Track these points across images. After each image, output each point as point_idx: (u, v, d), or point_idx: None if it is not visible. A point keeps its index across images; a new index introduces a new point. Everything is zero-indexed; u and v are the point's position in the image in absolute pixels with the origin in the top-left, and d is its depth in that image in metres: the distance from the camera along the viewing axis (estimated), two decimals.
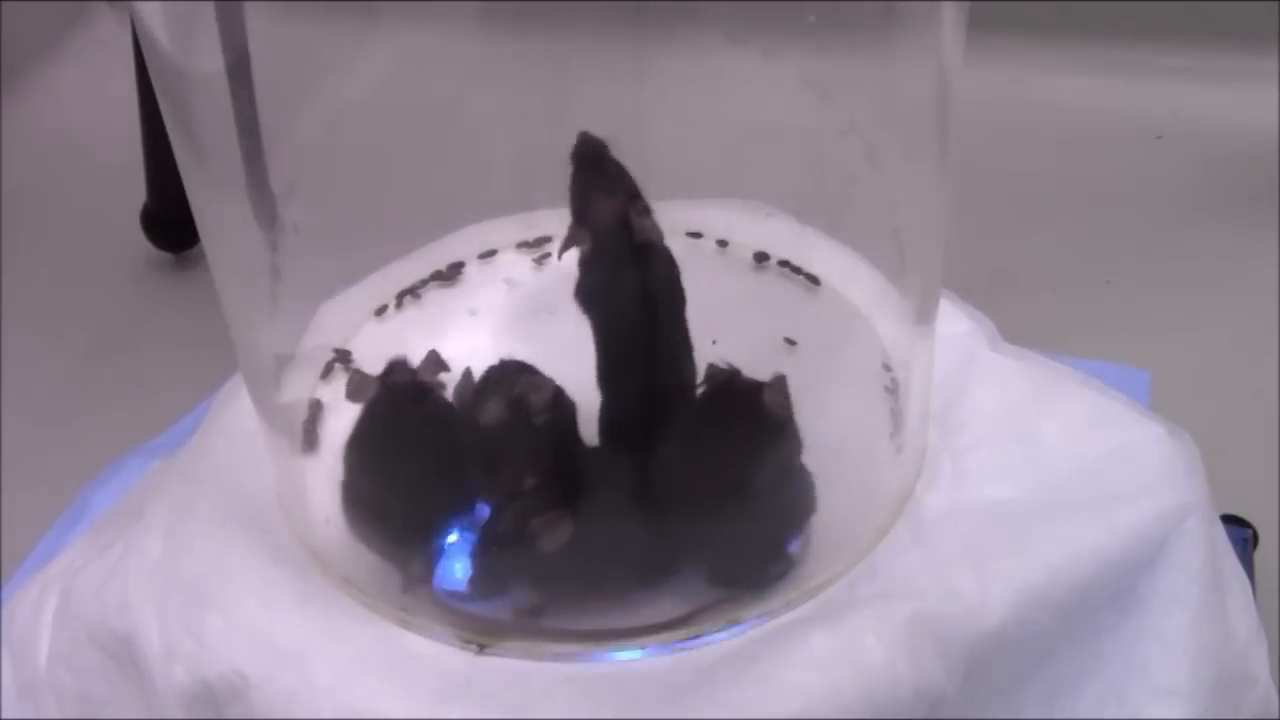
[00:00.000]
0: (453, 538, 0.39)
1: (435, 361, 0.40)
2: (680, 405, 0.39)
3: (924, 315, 0.43)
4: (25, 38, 0.92)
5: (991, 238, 0.69)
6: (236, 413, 0.45)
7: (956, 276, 0.45)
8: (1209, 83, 0.85)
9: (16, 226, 0.82)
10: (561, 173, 0.49)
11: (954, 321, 0.47)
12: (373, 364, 0.46)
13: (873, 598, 0.38)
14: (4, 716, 0.45)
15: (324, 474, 0.41)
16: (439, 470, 0.40)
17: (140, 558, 0.41)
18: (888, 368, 0.45)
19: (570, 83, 0.45)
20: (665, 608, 0.38)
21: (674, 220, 0.51)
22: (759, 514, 0.40)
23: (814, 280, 0.49)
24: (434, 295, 0.50)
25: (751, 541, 0.40)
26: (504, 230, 0.51)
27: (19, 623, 0.45)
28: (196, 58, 0.38)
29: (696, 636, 0.38)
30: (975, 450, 0.43)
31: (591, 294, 0.39)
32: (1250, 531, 0.53)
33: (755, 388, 0.38)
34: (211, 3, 0.38)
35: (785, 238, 0.50)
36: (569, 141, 0.45)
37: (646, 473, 0.39)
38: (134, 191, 0.78)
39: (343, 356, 0.47)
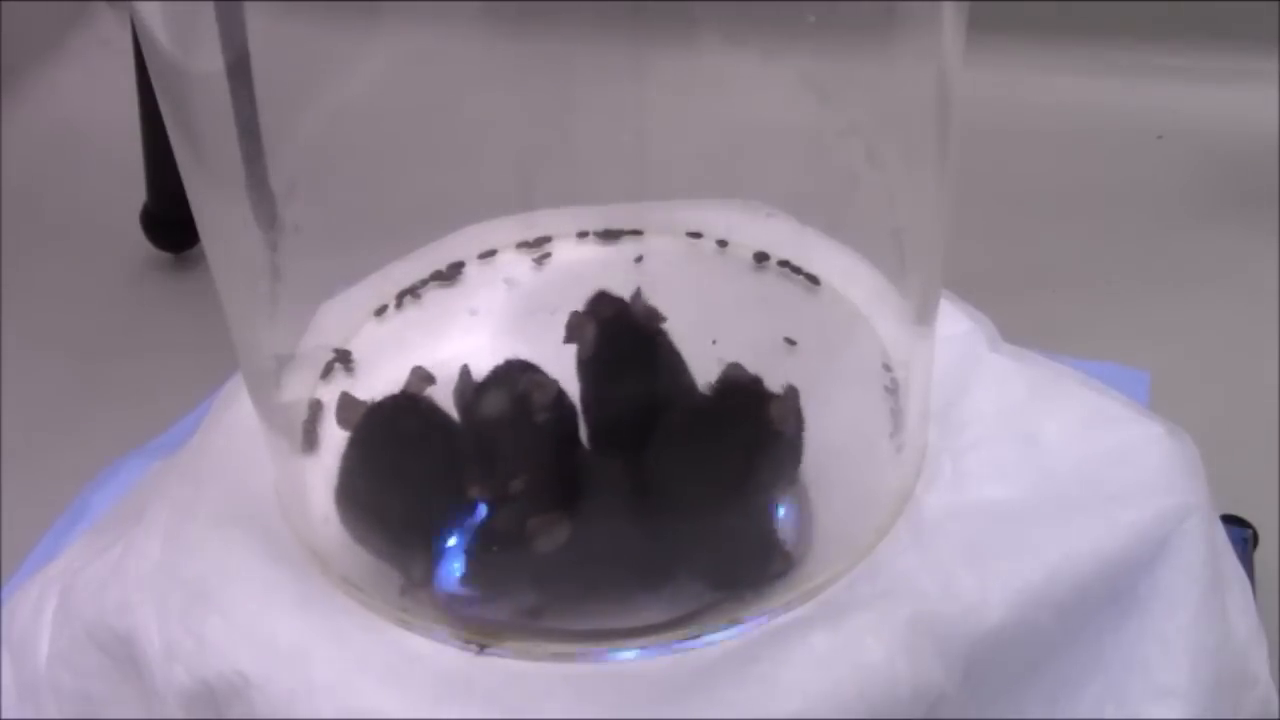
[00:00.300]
0: (451, 539, 0.39)
1: (421, 376, 0.41)
2: (676, 410, 0.40)
3: (924, 315, 0.43)
4: (25, 38, 0.91)
5: (991, 238, 0.69)
6: (236, 413, 0.45)
7: (956, 276, 0.45)
8: (1209, 83, 0.85)
9: (16, 226, 0.82)
10: (561, 173, 0.49)
11: (954, 321, 0.47)
12: (373, 364, 0.46)
13: (873, 598, 0.38)
14: (4, 716, 0.45)
15: (324, 474, 0.41)
16: (436, 472, 0.40)
17: (140, 558, 0.41)
18: (888, 368, 0.45)
19: (570, 83, 0.45)
20: (665, 608, 0.38)
21: (674, 220, 0.51)
22: (756, 516, 0.40)
23: (814, 280, 0.49)
24: (434, 295, 0.50)
25: (749, 543, 0.40)
26: (504, 230, 0.51)
27: (19, 623, 0.45)
28: (196, 58, 0.38)
29: (696, 636, 0.38)
30: (975, 450, 0.43)
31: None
32: (1250, 531, 0.53)
33: (764, 397, 0.38)
34: (211, 3, 0.38)
35: (785, 238, 0.50)
36: (569, 142, 0.45)
37: (645, 474, 0.39)
38: (134, 191, 0.78)
39: (343, 356, 0.47)
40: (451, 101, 0.46)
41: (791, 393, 0.39)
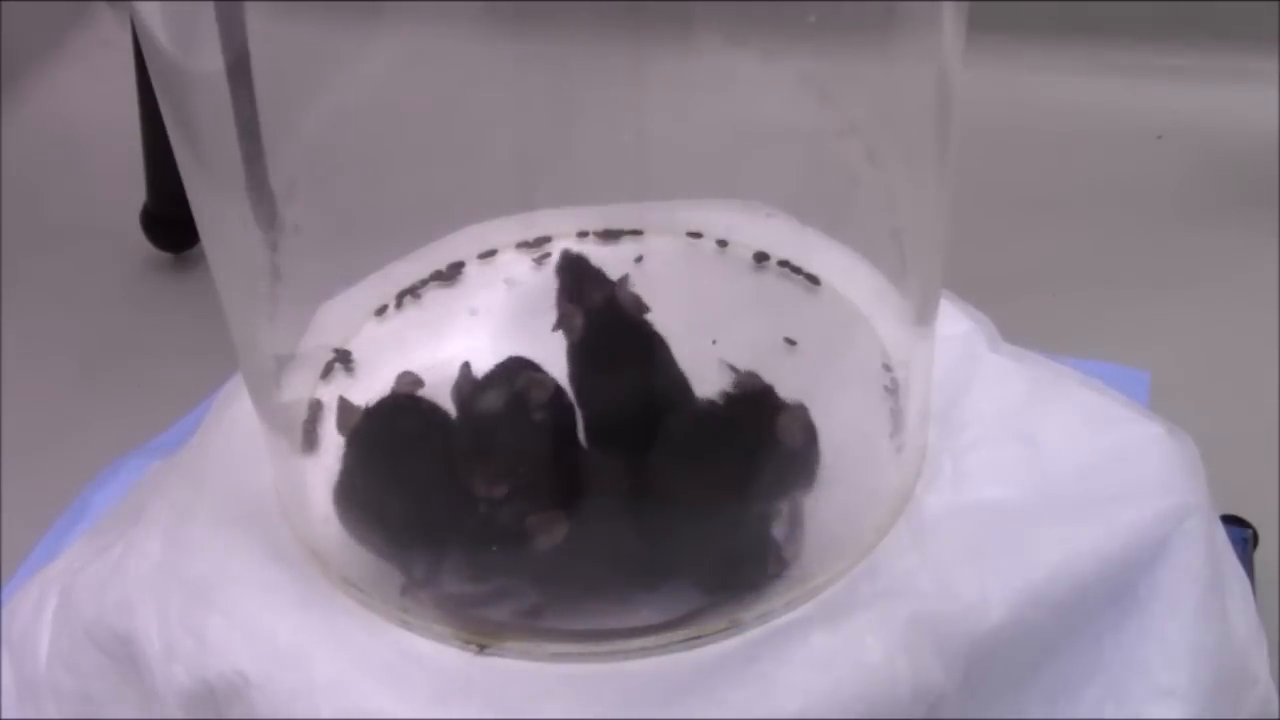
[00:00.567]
0: (451, 539, 0.39)
1: (410, 380, 0.41)
2: (681, 413, 0.40)
3: (924, 315, 0.43)
4: (25, 38, 0.92)
5: (991, 238, 0.68)
6: (236, 413, 0.45)
7: (956, 276, 0.45)
8: (1209, 83, 0.85)
9: (16, 227, 0.82)
10: (562, 173, 0.49)
11: (954, 321, 0.47)
12: (373, 364, 0.46)
13: (873, 597, 0.38)
14: (4, 716, 0.45)
15: (324, 474, 0.41)
16: (435, 472, 0.40)
17: (140, 558, 0.41)
18: (888, 368, 0.45)
19: (570, 83, 0.45)
20: (665, 608, 0.38)
21: (674, 220, 0.52)
22: (753, 519, 0.40)
23: (814, 280, 0.49)
24: (434, 295, 0.50)
25: (744, 545, 0.40)
26: (504, 230, 0.51)
27: (19, 623, 0.45)
28: (196, 58, 0.38)
29: (696, 637, 0.38)
30: (975, 450, 0.43)
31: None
32: (1250, 531, 0.53)
33: (773, 409, 0.38)
34: (211, 3, 0.38)
35: (785, 238, 0.50)
36: (569, 142, 0.45)
37: (643, 474, 0.39)
38: (134, 191, 0.78)
39: (343, 356, 0.47)
40: (451, 101, 0.47)
41: (800, 409, 0.38)
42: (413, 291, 0.50)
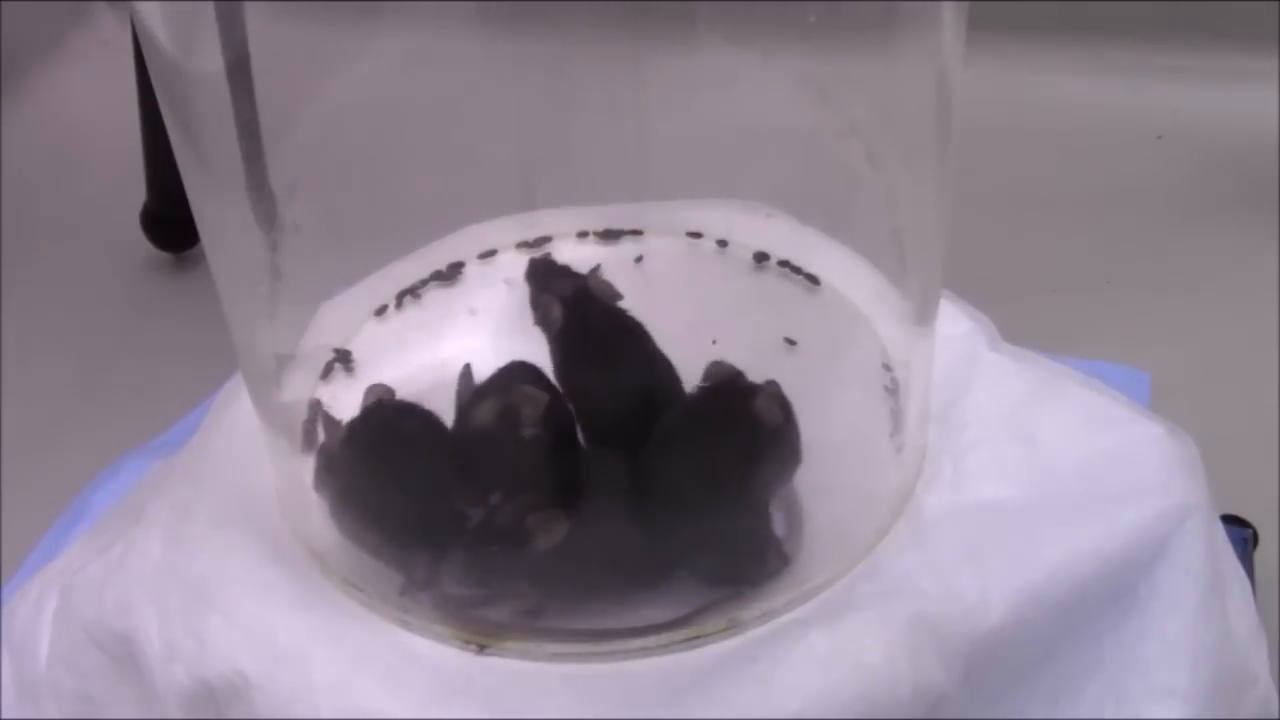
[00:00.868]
0: (451, 540, 0.39)
1: (378, 394, 0.41)
2: (664, 409, 0.40)
3: (924, 315, 0.43)
4: (25, 38, 0.91)
5: (991, 238, 0.68)
6: (236, 413, 0.45)
7: (956, 276, 0.45)
8: (1209, 83, 0.85)
9: (16, 226, 0.82)
10: (561, 173, 0.49)
11: (954, 321, 0.47)
12: (373, 364, 0.46)
13: (873, 598, 0.38)
14: (4, 716, 0.45)
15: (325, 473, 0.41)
16: (434, 473, 0.40)
17: (140, 558, 0.41)
18: (888, 368, 0.45)
19: (570, 83, 0.45)
20: (665, 608, 0.38)
21: (674, 220, 0.52)
22: (751, 515, 0.40)
23: (814, 280, 0.49)
24: (434, 295, 0.50)
25: (744, 542, 0.40)
26: (504, 230, 0.51)
27: (19, 623, 0.45)
28: (196, 58, 0.38)
29: (696, 637, 0.38)
30: (975, 450, 0.43)
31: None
32: (1250, 531, 0.53)
33: (748, 392, 0.38)
34: (211, 3, 0.38)
35: (785, 238, 0.50)
36: (569, 142, 0.45)
37: (641, 474, 0.39)
38: (134, 191, 0.78)
39: (343, 356, 0.47)
40: (451, 101, 0.46)
41: (772, 385, 0.39)
42: (413, 291, 0.50)
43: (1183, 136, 0.84)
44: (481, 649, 0.38)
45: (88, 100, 0.91)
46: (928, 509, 0.41)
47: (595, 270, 0.43)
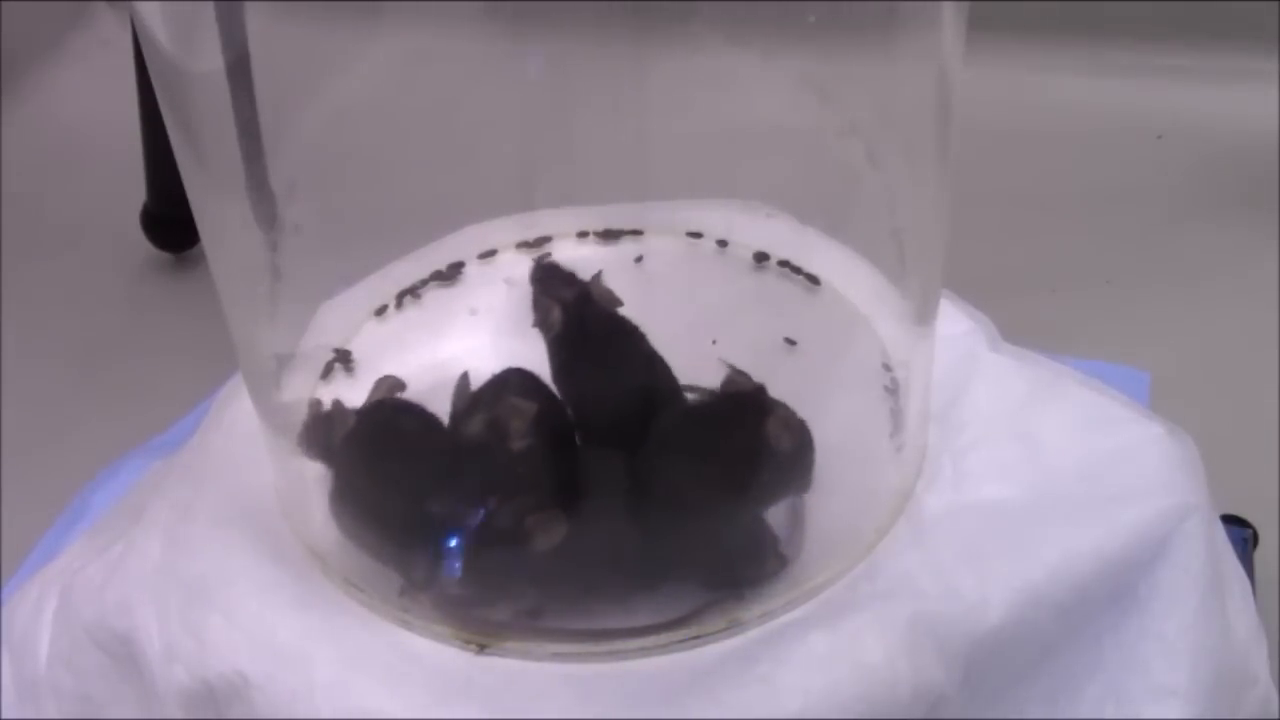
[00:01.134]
0: (450, 540, 0.39)
1: (391, 385, 0.41)
2: (661, 409, 0.40)
3: (924, 315, 0.43)
4: (25, 38, 0.91)
5: (991, 238, 0.68)
6: (236, 413, 0.45)
7: (956, 276, 0.45)
8: (1209, 83, 0.85)
9: (16, 226, 0.82)
10: (561, 173, 0.49)
11: (954, 321, 0.47)
12: (373, 364, 0.46)
13: (873, 598, 0.38)
14: (4, 716, 0.45)
15: (324, 473, 0.41)
16: (433, 473, 0.40)
17: (140, 558, 0.41)
18: (888, 368, 0.45)
19: (570, 83, 0.45)
20: (665, 608, 0.38)
21: (674, 220, 0.52)
22: (751, 517, 0.40)
23: (814, 280, 0.49)
24: (434, 295, 0.50)
25: (743, 542, 0.40)
26: (504, 230, 0.51)
27: (19, 623, 0.45)
28: (196, 58, 0.38)
29: (696, 636, 0.38)
30: (975, 450, 0.43)
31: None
32: (1250, 531, 0.53)
33: (762, 410, 0.38)
34: (211, 3, 0.38)
35: (785, 238, 0.50)
36: (569, 142, 0.45)
37: (639, 474, 0.39)
38: (134, 191, 0.78)
39: (343, 356, 0.47)
40: (451, 101, 0.46)
41: (788, 412, 0.38)
42: (413, 291, 0.50)
43: (1183, 136, 0.84)
44: (481, 649, 0.38)
45: (88, 100, 0.91)
46: (928, 509, 0.41)
47: (597, 276, 0.43)
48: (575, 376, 0.41)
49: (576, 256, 0.49)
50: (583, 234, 0.51)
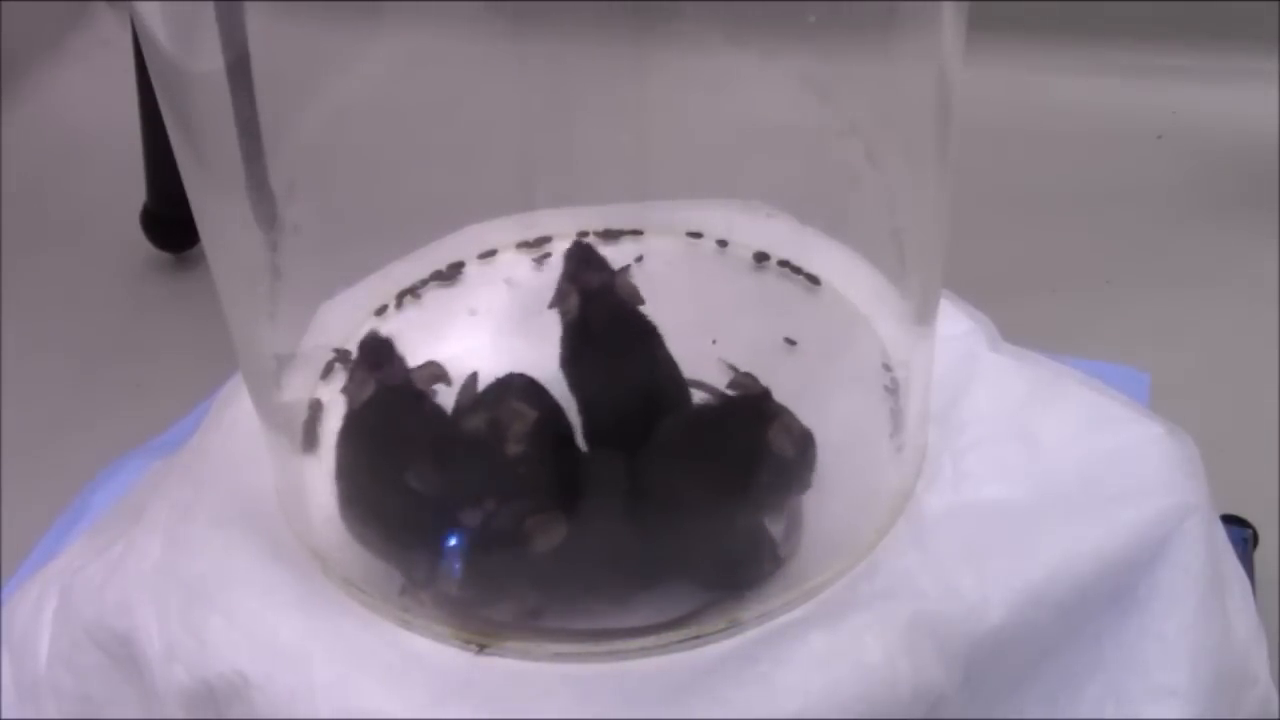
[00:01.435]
0: (451, 540, 0.39)
1: (433, 373, 0.40)
2: (666, 412, 0.40)
3: (924, 315, 0.43)
4: (25, 38, 0.92)
5: (991, 238, 0.68)
6: (236, 413, 0.45)
7: (956, 276, 0.45)
8: (1209, 83, 0.85)
9: (16, 226, 0.82)
10: (561, 173, 0.49)
11: (954, 321, 0.47)
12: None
13: (873, 597, 0.38)
14: (4, 716, 0.45)
15: (324, 474, 0.41)
16: (434, 473, 0.40)
17: (140, 558, 0.41)
18: (888, 368, 0.45)
19: (570, 83, 0.45)
20: (665, 608, 0.38)
21: (674, 220, 0.52)
22: (746, 517, 0.40)
23: (814, 280, 0.49)
24: (434, 295, 0.50)
25: (740, 543, 0.40)
26: (504, 230, 0.51)
27: (19, 623, 0.45)
28: (196, 58, 0.38)
29: (696, 636, 0.38)
30: (975, 450, 0.43)
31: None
32: (1250, 531, 0.53)
33: (765, 416, 0.38)
34: (211, 3, 0.38)
35: (785, 238, 0.50)
36: (570, 142, 0.45)
37: (639, 475, 0.39)
38: (134, 191, 0.78)
39: (343, 356, 0.47)
40: (451, 101, 0.47)
41: (790, 418, 0.38)
42: (413, 291, 0.50)
43: (1183, 136, 0.84)
44: (481, 649, 0.38)
45: (88, 100, 0.92)
46: (928, 509, 0.41)
47: (624, 271, 0.43)
48: (581, 365, 0.41)
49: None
50: (583, 234, 0.51)
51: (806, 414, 0.39)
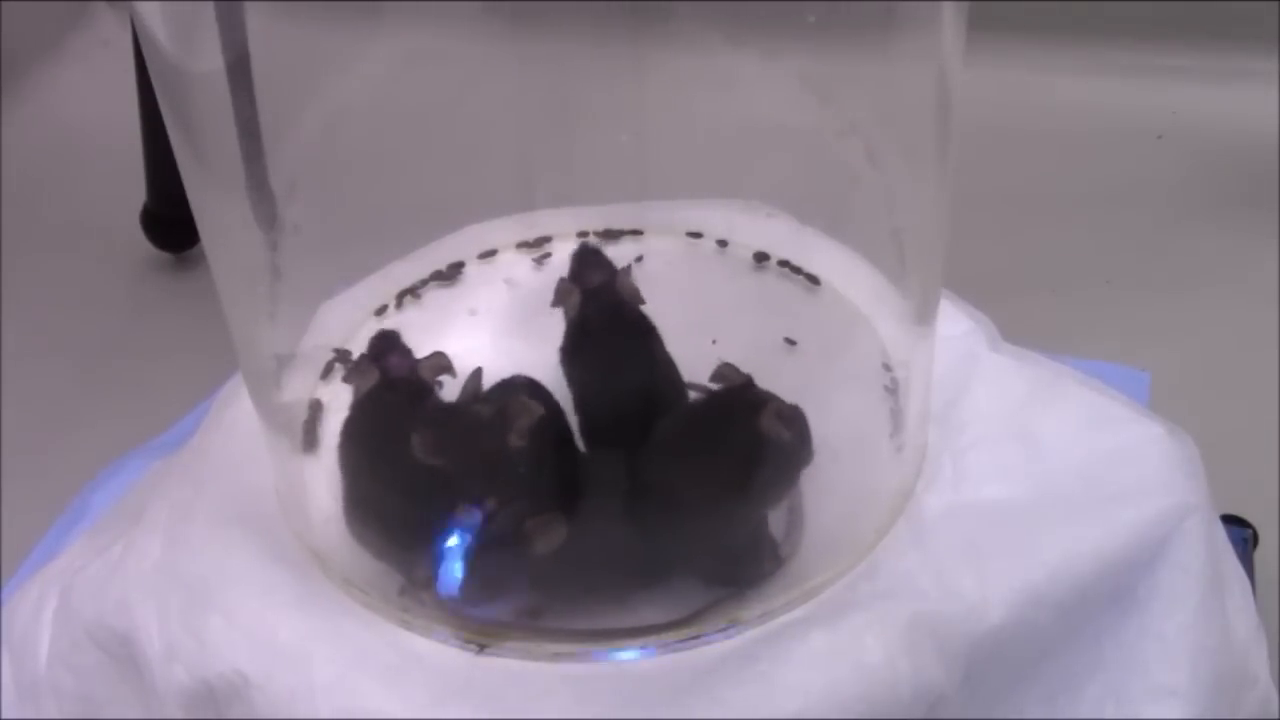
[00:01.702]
0: (452, 540, 0.39)
1: (439, 365, 0.40)
2: (664, 412, 0.40)
3: (924, 315, 0.43)
4: (25, 38, 0.91)
5: (991, 238, 0.69)
6: (236, 413, 0.45)
7: (956, 276, 0.45)
8: (1209, 83, 0.85)
9: (16, 226, 0.82)
10: (561, 173, 0.49)
11: (954, 321, 0.47)
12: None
13: (873, 597, 0.38)
14: (4, 716, 0.45)
15: (324, 474, 0.42)
16: (435, 473, 0.40)
17: (140, 558, 0.41)
18: (888, 368, 0.45)
19: (570, 83, 0.45)
20: (665, 608, 0.38)
21: (674, 220, 0.52)
22: (746, 516, 0.40)
23: (814, 280, 0.49)
24: (434, 295, 0.50)
25: (740, 542, 0.40)
26: (504, 230, 0.51)
27: (19, 623, 0.45)
28: (196, 58, 0.38)
29: (696, 636, 0.38)
30: (975, 450, 0.43)
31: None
32: (1250, 531, 0.53)
33: (756, 403, 0.38)
34: (211, 2, 0.38)
35: (785, 238, 0.50)
36: (569, 142, 0.45)
37: (639, 474, 0.39)
38: (134, 191, 0.78)
39: (343, 356, 0.47)
40: (451, 101, 0.47)
41: (778, 402, 0.38)
42: (413, 291, 0.50)
43: (1183, 136, 0.84)
44: (481, 649, 0.38)
45: (88, 100, 0.91)
46: (928, 509, 0.41)
47: (625, 270, 0.43)
48: (581, 363, 0.41)
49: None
50: (583, 234, 0.51)
51: (807, 414, 0.39)
